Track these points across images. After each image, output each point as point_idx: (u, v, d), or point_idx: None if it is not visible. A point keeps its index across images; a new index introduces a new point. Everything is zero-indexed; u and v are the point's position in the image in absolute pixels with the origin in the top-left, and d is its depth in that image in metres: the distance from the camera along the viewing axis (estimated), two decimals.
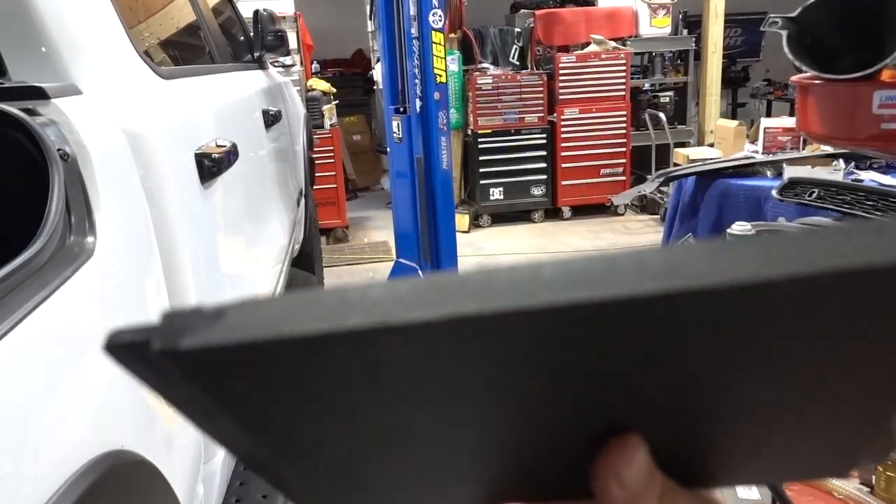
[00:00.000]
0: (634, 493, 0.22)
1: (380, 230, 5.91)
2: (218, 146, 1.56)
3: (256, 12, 2.76)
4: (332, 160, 5.49)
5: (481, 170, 5.74)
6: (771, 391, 0.20)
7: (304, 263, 3.29)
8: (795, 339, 0.18)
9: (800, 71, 1.55)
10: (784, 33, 1.34)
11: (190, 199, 1.39)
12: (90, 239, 0.93)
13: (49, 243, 0.83)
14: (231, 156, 1.61)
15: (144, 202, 1.16)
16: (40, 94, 0.98)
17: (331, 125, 5.56)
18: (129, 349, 0.17)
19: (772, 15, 1.34)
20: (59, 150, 0.92)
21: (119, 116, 1.16)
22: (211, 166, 1.48)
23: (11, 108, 0.91)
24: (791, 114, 6.70)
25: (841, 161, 3.07)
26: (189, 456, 1.18)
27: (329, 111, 5.57)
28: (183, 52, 2.02)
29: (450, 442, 0.21)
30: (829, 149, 3.25)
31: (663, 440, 0.22)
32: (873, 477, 1.24)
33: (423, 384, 0.18)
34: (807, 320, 0.17)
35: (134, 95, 1.28)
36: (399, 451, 0.21)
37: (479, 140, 5.69)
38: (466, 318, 0.16)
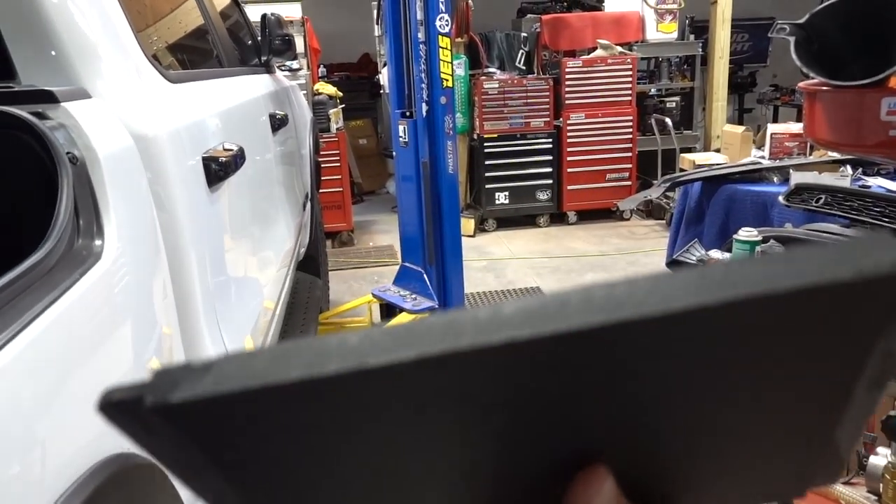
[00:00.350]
0: None
1: (385, 234, 5.91)
2: (225, 150, 1.57)
3: (264, 16, 2.77)
4: (338, 164, 5.51)
5: (487, 174, 5.74)
6: (716, 412, 0.21)
7: (310, 267, 3.29)
8: (730, 361, 0.19)
9: (807, 77, 1.55)
10: (792, 40, 1.33)
11: (197, 202, 1.39)
12: (98, 242, 0.93)
13: (58, 246, 0.83)
14: (238, 159, 1.62)
15: (152, 205, 1.17)
16: (50, 98, 0.99)
17: (337, 129, 5.57)
18: (123, 406, 0.18)
19: (780, 21, 1.34)
20: (68, 153, 0.92)
21: (128, 120, 1.16)
22: (218, 170, 1.48)
23: (21, 112, 0.92)
24: (798, 119, 6.68)
25: (848, 167, 3.06)
26: None
27: (335, 115, 5.58)
28: (191, 56, 2.03)
29: (432, 475, 0.21)
30: (836, 155, 3.24)
31: (628, 468, 0.22)
32: (881, 486, 1.24)
33: (401, 422, 0.19)
34: (736, 343, 0.19)
35: (142, 99, 1.29)
36: (384, 492, 0.21)
37: (485, 144, 5.70)
38: (434, 358, 0.17)
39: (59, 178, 0.89)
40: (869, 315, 0.18)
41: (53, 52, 1.15)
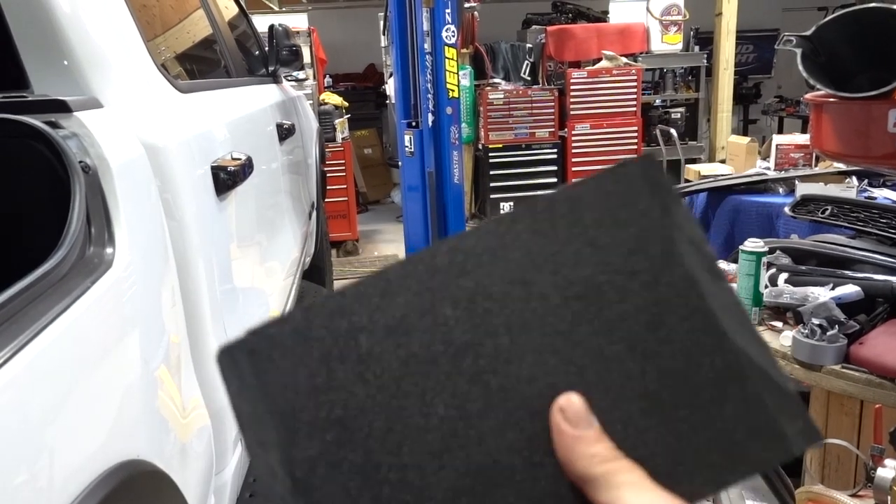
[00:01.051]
0: (577, 427, 0.26)
1: (390, 243, 5.92)
2: (233, 159, 1.58)
3: (272, 27, 2.78)
4: (343, 173, 5.52)
5: (492, 184, 5.76)
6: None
7: (316, 276, 3.30)
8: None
9: (813, 88, 1.55)
10: (798, 52, 1.34)
11: (206, 211, 1.40)
12: (109, 250, 0.94)
13: (70, 254, 0.84)
14: (246, 169, 1.63)
15: (162, 214, 1.18)
16: (63, 108, 1.00)
17: (343, 139, 5.59)
18: (231, 349, 0.24)
19: (786, 33, 1.34)
20: (80, 162, 0.93)
21: (138, 129, 1.17)
22: (227, 179, 1.49)
23: (35, 121, 0.93)
24: (803, 131, 6.69)
25: (854, 178, 3.06)
26: (201, 466, 1.18)
27: (341, 125, 5.60)
28: (200, 66, 2.05)
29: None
30: (841, 166, 3.24)
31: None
32: (888, 498, 1.23)
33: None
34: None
35: (153, 109, 1.30)
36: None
37: (490, 154, 5.72)
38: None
39: (72, 186, 0.89)
40: (634, 202, 0.23)
41: (66, 62, 1.16)
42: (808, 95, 1.52)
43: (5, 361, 0.64)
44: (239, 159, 1.60)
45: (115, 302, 0.92)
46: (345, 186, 5.55)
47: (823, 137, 1.50)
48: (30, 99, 1.04)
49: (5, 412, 0.63)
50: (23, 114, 0.95)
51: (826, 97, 1.44)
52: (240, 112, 1.92)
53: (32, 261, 0.82)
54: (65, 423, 0.72)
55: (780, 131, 7.13)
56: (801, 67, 1.38)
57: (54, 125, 0.96)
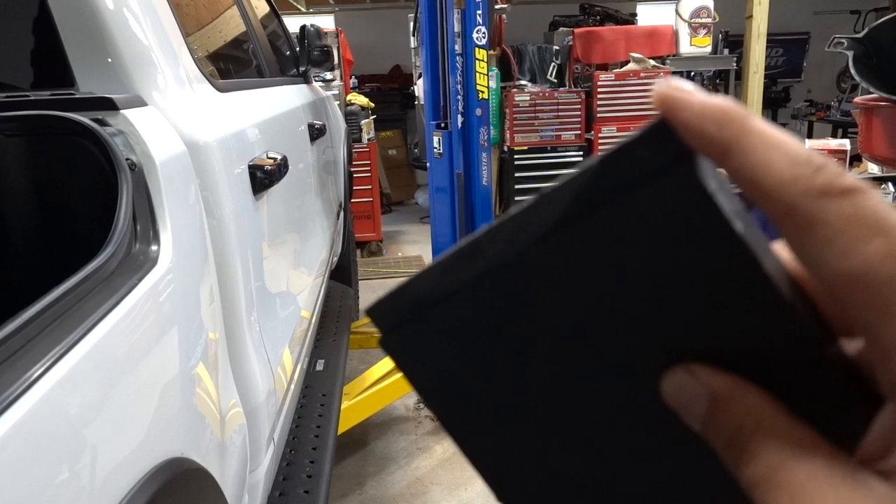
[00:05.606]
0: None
1: (413, 244, 5.92)
2: (269, 158, 1.58)
3: (303, 27, 2.80)
4: (368, 174, 5.54)
5: (517, 186, 5.73)
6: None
7: (342, 276, 3.30)
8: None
9: (845, 93, 1.52)
10: (850, 54, 1.31)
11: (243, 209, 1.40)
12: (154, 248, 0.94)
13: (117, 252, 0.84)
14: (282, 168, 1.63)
15: (202, 211, 1.18)
16: (110, 105, 1.00)
17: (368, 139, 5.61)
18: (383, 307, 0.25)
19: (837, 35, 1.32)
20: (127, 160, 0.94)
21: (180, 127, 1.18)
22: (263, 178, 1.50)
23: (84, 119, 0.94)
24: (833, 135, 6.59)
25: (890, 185, 3.00)
26: (237, 464, 1.19)
27: (367, 126, 5.62)
28: (234, 65, 2.06)
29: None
30: (877, 171, 3.18)
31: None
32: None
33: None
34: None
35: (194, 107, 1.30)
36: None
37: (516, 157, 5.70)
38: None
39: (119, 183, 0.90)
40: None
41: (109, 60, 1.17)
42: (858, 99, 1.49)
43: (59, 357, 0.64)
44: (275, 159, 1.60)
45: (160, 299, 0.92)
46: (370, 187, 5.56)
47: (874, 142, 1.46)
48: (77, 96, 1.05)
49: (60, 410, 0.63)
50: (71, 111, 0.96)
51: (878, 100, 1.41)
52: (274, 112, 1.93)
53: (81, 255, 0.82)
54: (114, 420, 0.72)
55: (810, 136, 7.03)
56: (852, 70, 1.34)
57: (102, 122, 0.97)
